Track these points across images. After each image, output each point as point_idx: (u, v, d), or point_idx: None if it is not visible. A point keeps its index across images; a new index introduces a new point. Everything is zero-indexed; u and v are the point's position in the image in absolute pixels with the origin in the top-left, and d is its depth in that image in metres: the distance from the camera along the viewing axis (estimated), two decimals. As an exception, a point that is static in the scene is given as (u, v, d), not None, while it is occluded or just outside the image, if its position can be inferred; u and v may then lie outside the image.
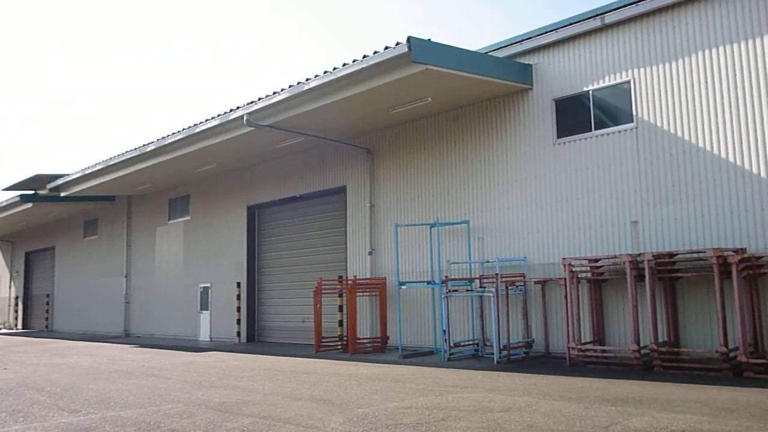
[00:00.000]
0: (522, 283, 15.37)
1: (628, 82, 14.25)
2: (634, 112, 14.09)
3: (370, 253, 19.19)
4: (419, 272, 17.65)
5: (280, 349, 19.88)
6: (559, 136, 15.34)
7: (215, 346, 22.31)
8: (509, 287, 15.05)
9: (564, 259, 13.70)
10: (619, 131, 14.26)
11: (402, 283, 16.82)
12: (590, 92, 14.90)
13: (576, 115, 15.14)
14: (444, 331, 15.30)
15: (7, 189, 31.87)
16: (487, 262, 16.27)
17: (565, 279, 13.67)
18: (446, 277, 15.96)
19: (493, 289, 14.50)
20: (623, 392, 9.92)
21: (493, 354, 14.52)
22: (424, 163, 18.13)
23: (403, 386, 11.33)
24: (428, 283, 16.68)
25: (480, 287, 15.74)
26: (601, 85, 14.69)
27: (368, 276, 18.98)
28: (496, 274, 14.79)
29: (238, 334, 23.42)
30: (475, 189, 16.83)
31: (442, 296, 15.48)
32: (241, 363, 16.33)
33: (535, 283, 15.25)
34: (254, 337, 23.56)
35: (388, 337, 18.07)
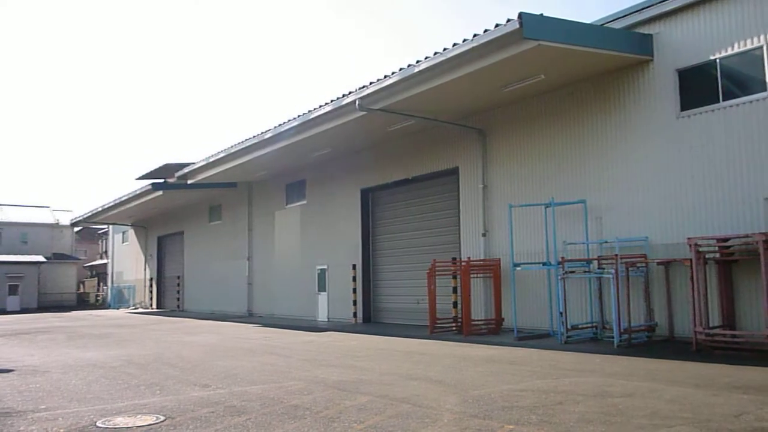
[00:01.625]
0: (643, 264, 14.74)
1: (761, 47, 13.21)
2: (767, 80, 13.08)
3: (484, 235, 19.03)
4: (534, 253, 17.31)
5: (394, 329, 20.19)
6: (683, 109, 14.50)
7: (332, 326, 22.96)
8: (630, 268, 14.46)
9: (689, 238, 13.00)
10: (751, 101, 13.28)
11: (517, 265, 16.57)
12: (717, 61, 13.95)
13: (701, 85, 14.24)
14: (560, 313, 14.96)
15: (139, 178, 34.17)
16: (606, 242, 15.70)
17: (690, 260, 12.96)
18: (562, 258, 15.56)
19: (613, 271, 14.00)
20: (756, 380, 9.34)
21: (612, 337, 14.05)
22: (538, 141, 17.70)
23: (519, 369, 11.22)
24: (544, 264, 16.35)
25: (598, 268, 15.24)
26: (730, 52, 13.72)
27: (482, 257, 18.84)
28: (616, 255, 14.27)
29: (354, 314, 23.96)
30: (592, 167, 16.26)
31: (559, 278, 15.13)
32: (358, 343, 16.73)
33: (658, 264, 14.57)
34: (370, 317, 24.02)
35: (502, 318, 17.90)
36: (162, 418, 7.74)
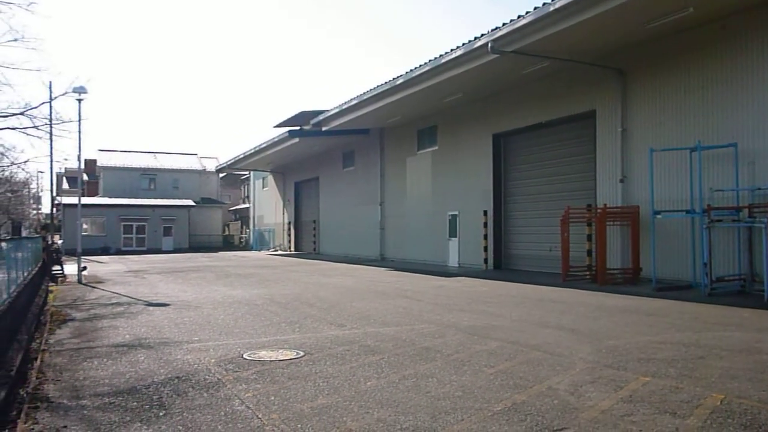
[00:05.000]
0: (802, 213, 13.56)
1: None
2: None
3: (622, 181, 18.21)
4: (677, 201, 16.38)
5: (526, 276, 19.99)
6: None
7: (463, 271, 23.09)
8: (786, 218, 13.35)
9: None
10: None
11: (657, 212, 15.79)
12: None
13: None
14: (705, 264, 14.16)
15: (277, 126, 35.47)
16: (759, 189, 14.54)
17: None
18: (708, 206, 14.61)
19: (766, 220, 13.00)
20: None
21: (763, 291, 13.14)
22: (683, 80, 16.51)
23: (657, 320, 10.82)
24: (687, 212, 15.46)
25: (749, 217, 14.21)
26: None
27: (619, 204, 18.09)
28: (770, 203, 13.22)
29: (485, 261, 23.92)
30: (746, 107, 14.98)
31: (703, 227, 14.27)
32: (489, 289, 16.75)
33: (820, 213, 13.34)
34: (500, 264, 23.90)
35: (640, 268, 17.21)
36: (302, 353, 8.22)
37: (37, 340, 10.24)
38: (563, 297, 14.57)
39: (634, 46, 17.64)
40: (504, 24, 17.06)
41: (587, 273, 18.11)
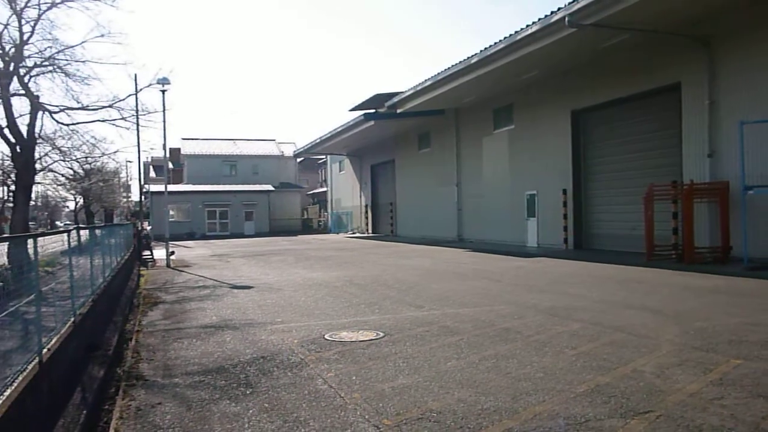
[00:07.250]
0: None
1: None
2: None
3: (710, 156, 17.42)
4: (770, 175, 15.54)
5: (608, 256, 19.48)
6: None
7: (542, 252, 22.73)
8: None
9: None
10: None
11: (749, 188, 15.03)
12: None
13: None
14: (801, 241, 13.42)
15: (352, 110, 35.73)
16: None
17: None
18: (805, 180, 13.83)
19: None
20: None
21: None
22: (777, 48, 15.58)
23: (750, 301, 10.36)
24: (782, 187, 14.67)
25: None
26: None
27: (707, 180, 17.33)
28: None
29: (565, 240, 23.45)
30: None
31: (800, 202, 13.52)
32: (569, 269, 16.44)
33: None
34: (581, 243, 23.37)
35: (730, 247, 16.46)
36: (381, 334, 8.33)
37: (131, 322, 10.79)
38: (647, 277, 14.15)
39: (722, 13, 16.76)
40: (582, -4, 16.55)
41: (673, 252, 17.48)
